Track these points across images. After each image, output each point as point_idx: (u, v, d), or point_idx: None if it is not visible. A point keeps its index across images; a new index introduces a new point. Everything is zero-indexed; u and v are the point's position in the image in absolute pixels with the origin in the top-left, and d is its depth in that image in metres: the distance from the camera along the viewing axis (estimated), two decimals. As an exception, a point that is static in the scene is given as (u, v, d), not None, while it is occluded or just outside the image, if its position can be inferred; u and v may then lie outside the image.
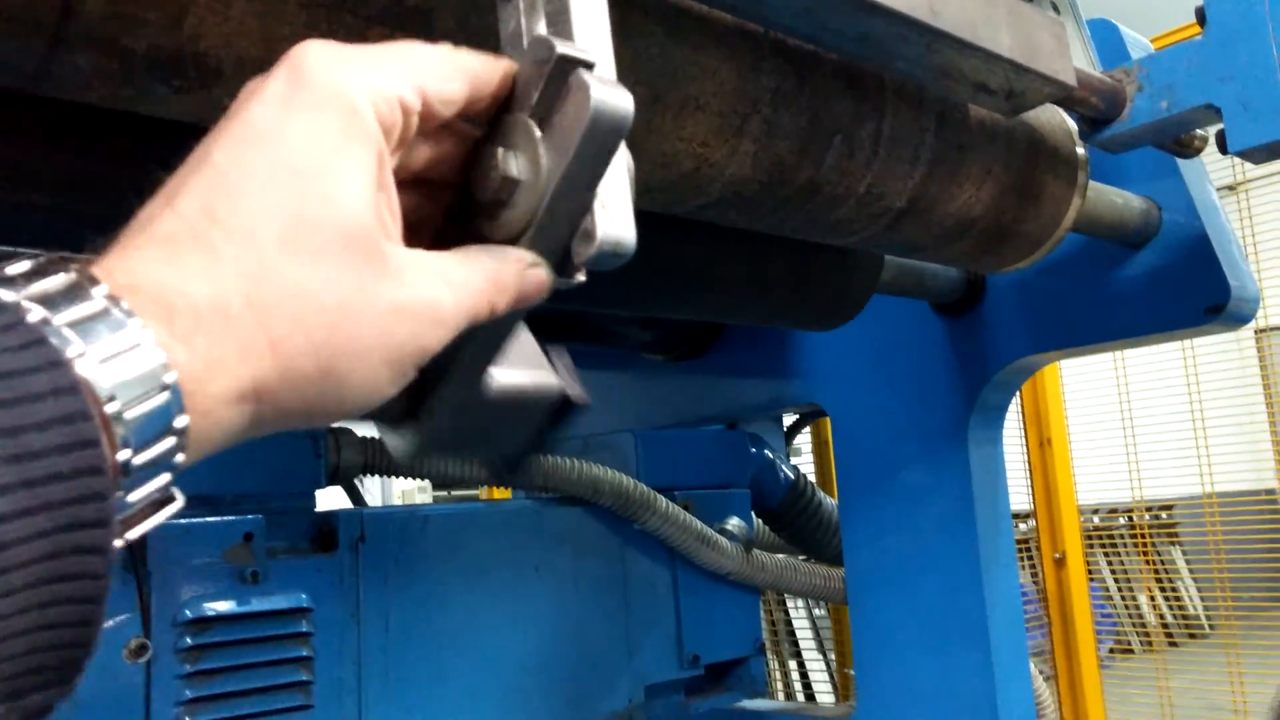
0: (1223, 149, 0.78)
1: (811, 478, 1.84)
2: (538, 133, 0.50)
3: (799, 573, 1.52)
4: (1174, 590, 7.85)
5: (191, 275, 0.38)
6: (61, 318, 0.35)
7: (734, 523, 1.45)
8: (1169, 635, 6.92)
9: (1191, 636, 7.34)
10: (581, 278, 0.53)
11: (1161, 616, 7.39)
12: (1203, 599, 7.59)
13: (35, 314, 0.35)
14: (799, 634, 5.01)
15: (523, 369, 0.54)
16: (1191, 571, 7.85)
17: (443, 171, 0.50)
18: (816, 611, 5.09)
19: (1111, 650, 6.84)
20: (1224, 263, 1.06)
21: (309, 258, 0.41)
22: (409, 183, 0.48)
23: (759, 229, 0.86)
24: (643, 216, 0.54)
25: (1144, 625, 7.44)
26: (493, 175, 0.50)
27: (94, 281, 0.36)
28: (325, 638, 1.12)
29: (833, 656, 4.73)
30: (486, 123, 0.51)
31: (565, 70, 0.49)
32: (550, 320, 0.63)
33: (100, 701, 0.97)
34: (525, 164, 0.50)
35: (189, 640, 1.02)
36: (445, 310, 0.45)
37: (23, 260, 0.37)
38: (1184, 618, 7.70)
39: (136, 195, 0.46)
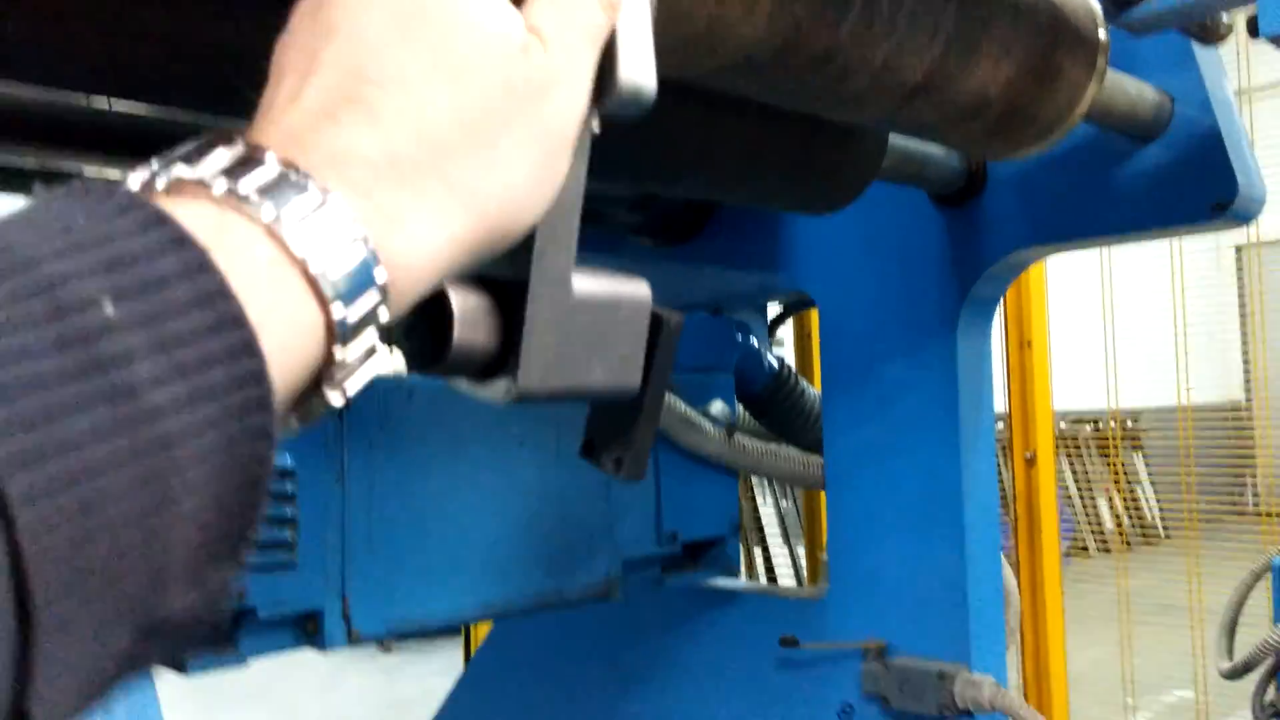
0: (1253, 32, 0.76)
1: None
2: None
3: (778, 458, 1.53)
4: (1133, 496, 8.07)
5: (358, 133, 0.38)
6: (246, 184, 0.34)
7: (717, 406, 1.46)
8: (1125, 539, 7.13)
9: (1146, 542, 7.58)
10: (596, 128, 0.51)
11: (1119, 520, 7.61)
12: (1160, 506, 7.81)
13: (219, 186, 0.34)
14: (765, 522, 5.13)
15: (601, 277, 0.51)
16: (1151, 479, 8.05)
17: None
18: (783, 502, 5.20)
19: (1068, 551, 7.05)
20: (1234, 159, 1.05)
21: (463, 87, 0.41)
22: None
23: (769, 100, 0.83)
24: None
25: (1101, 529, 7.66)
26: None
27: (261, 150, 0.36)
28: (309, 500, 1.12)
29: (797, 545, 4.86)
30: None
31: None
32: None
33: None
34: None
35: (171, 496, 1.02)
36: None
37: (187, 142, 0.36)
38: (1140, 523, 7.93)
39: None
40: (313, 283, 0.35)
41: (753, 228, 1.53)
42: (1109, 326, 3.80)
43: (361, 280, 0.36)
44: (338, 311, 0.35)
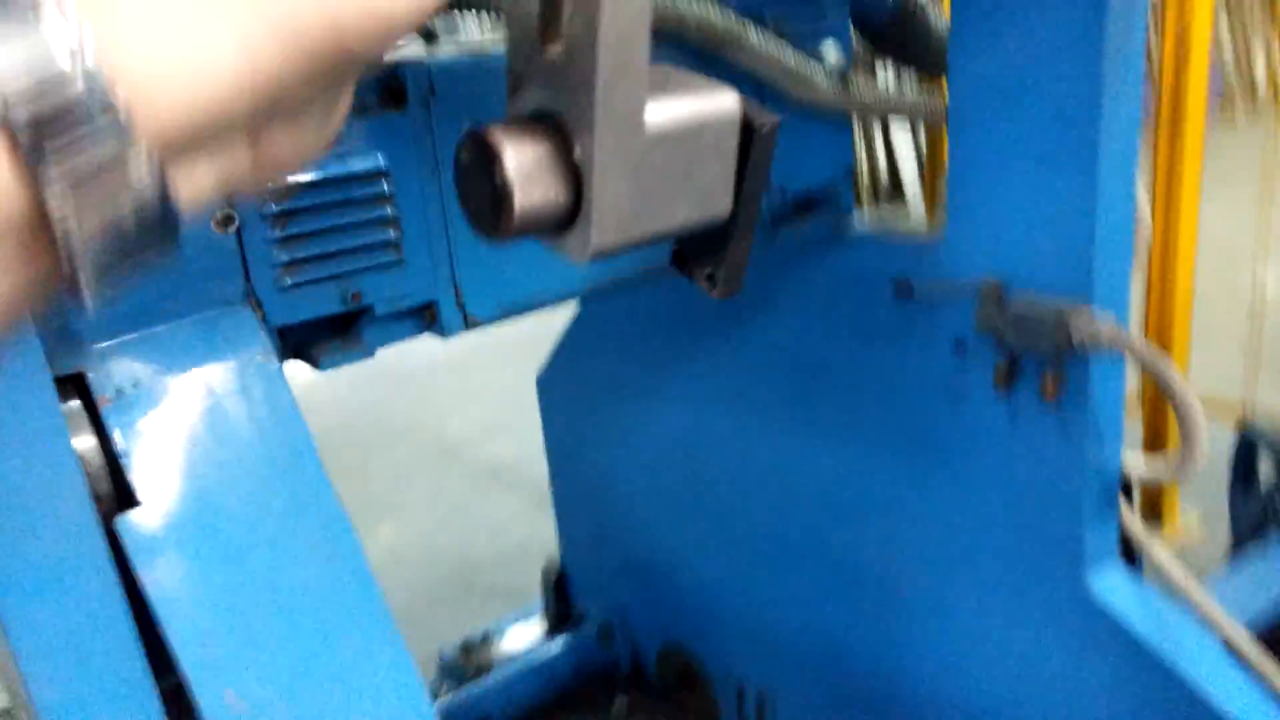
0: None
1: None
2: None
3: (895, 101, 1.41)
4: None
5: None
6: None
7: (830, 49, 1.32)
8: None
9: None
10: None
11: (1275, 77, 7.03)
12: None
13: None
14: (899, 152, 4.92)
15: (679, 99, 0.43)
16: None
17: None
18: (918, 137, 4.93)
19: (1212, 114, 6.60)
20: None
21: None
22: None
23: None
24: None
25: (1254, 84, 7.10)
26: None
27: None
28: (407, 195, 1.10)
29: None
30: None
31: None
32: None
33: (202, 270, 0.99)
34: None
35: (274, 207, 1.02)
36: None
37: None
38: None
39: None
40: None
41: None
42: None
43: (53, 90, 0.29)
44: (19, 124, 0.29)
